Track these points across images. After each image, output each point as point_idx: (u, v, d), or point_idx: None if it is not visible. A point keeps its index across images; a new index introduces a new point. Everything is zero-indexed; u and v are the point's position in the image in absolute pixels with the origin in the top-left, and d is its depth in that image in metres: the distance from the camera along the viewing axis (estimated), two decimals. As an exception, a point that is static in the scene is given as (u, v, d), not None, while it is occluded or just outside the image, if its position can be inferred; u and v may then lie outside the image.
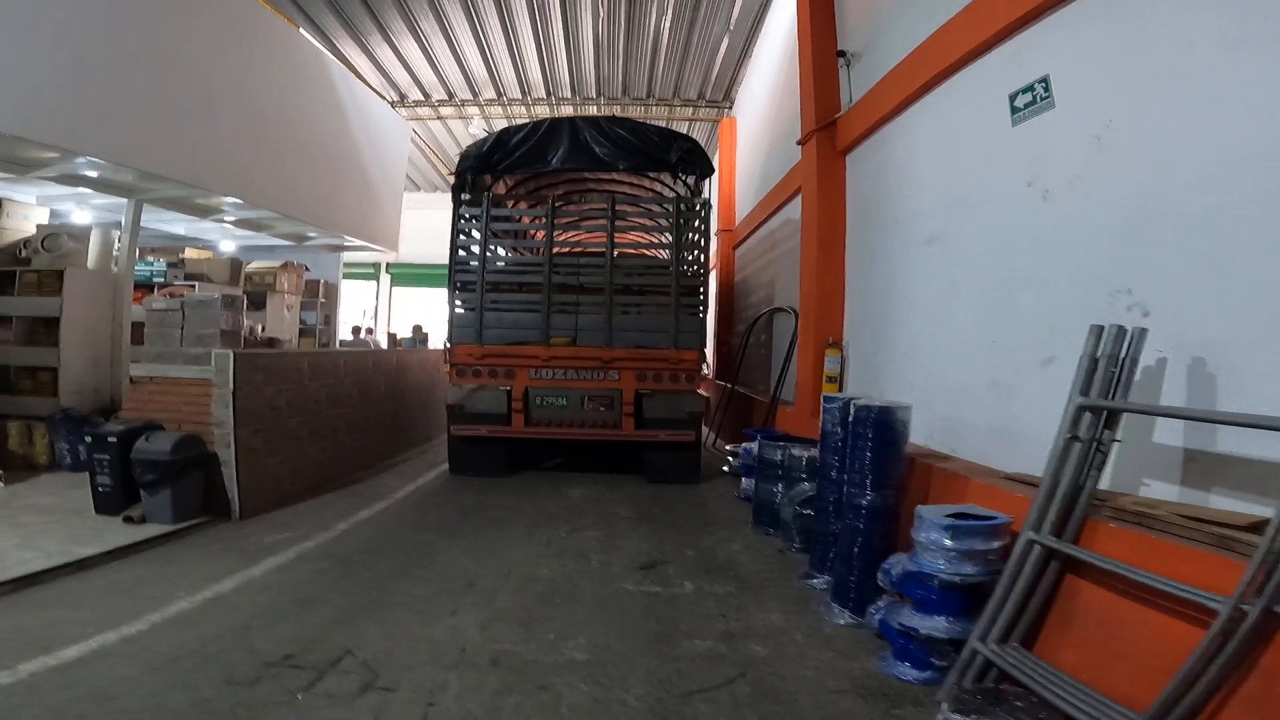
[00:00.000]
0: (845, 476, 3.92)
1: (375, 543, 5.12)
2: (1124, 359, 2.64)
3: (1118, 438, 2.65)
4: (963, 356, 4.33)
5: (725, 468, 8.15)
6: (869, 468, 3.73)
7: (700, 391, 7.51)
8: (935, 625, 3.06)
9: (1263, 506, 2.33)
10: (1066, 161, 3.47)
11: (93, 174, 7.33)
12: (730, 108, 13.84)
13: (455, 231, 7.57)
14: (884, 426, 3.73)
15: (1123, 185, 3.10)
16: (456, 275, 7.51)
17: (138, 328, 7.76)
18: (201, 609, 3.77)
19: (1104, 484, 2.95)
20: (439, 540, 5.19)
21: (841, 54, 6.62)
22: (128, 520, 4.98)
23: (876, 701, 2.95)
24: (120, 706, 2.72)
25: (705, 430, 10.80)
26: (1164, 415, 2.64)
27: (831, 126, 6.65)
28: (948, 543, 2.94)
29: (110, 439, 5.04)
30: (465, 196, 7.71)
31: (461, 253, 7.63)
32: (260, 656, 3.21)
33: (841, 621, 3.79)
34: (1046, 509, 2.68)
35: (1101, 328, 2.69)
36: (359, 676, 3.07)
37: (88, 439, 5.18)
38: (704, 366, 7.55)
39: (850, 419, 3.87)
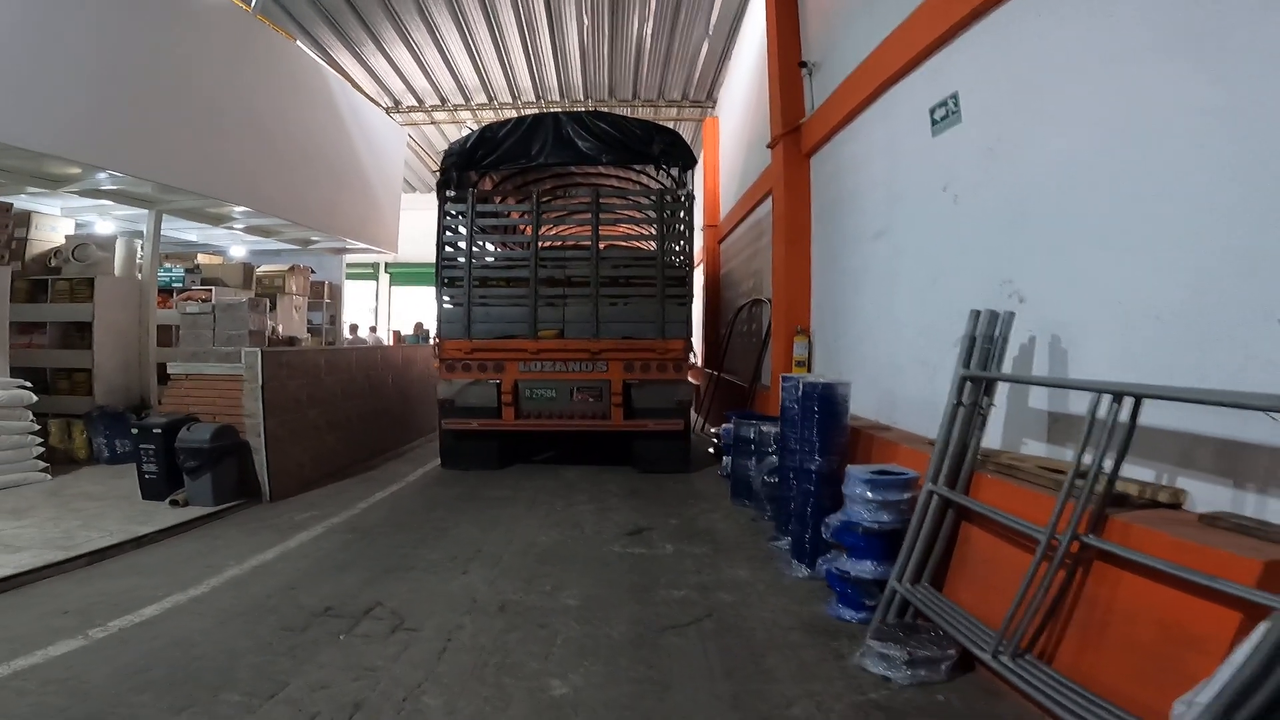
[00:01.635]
0: (798, 446, 4.54)
1: (393, 519, 5.76)
2: (997, 337, 3.25)
3: (994, 403, 3.27)
4: (901, 339, 4.93)
5: (710, 449, 8.72)
6: (816, 436, 4.36)
7: (689, 380, 7.76)
8: (863, 568, 3.65)
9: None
10: (970, 170, 4.06)
11: (113, 187, 7.86)
12: (713, 107, 14.36)
13: (441, 228, 7.69)
14: (828, 400, 4.36)
15: (1007, 192, 3.70)
16: (444, 271, 7.63)
17: (162, 330, 8.39)
18: (251, 574, 4.41)
19: (995, 444, 3.59)
20: (449, 516, 5.83)
21: (803, 64, 7.17)
22: (173, 503, 5.61)
23: (818, 636, 3.53)
24: (200, 651, 3.31)
25: (696, 417, 11.41)
26: (1014, 381, 3.25)
27: (796, 131, 7.21)
28: (869, 495, 3.56)
29: (156, 430, 5.67)
30: (450, 193, 7.80)
31: (449, 249, 7.75)
32: (307, 609, 3.83)
33: (799, 575, 4.37)
34: (940, 464, 3.31)
35: (979, 312, 3.31)
36: (389, 622, 3.68)
37: (134, 430, 5.81)
38: (691, 355, 7.80)
39: (800, 395, 4.49)
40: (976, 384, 3.24)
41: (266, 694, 2.91)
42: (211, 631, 3.54)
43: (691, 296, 7.85)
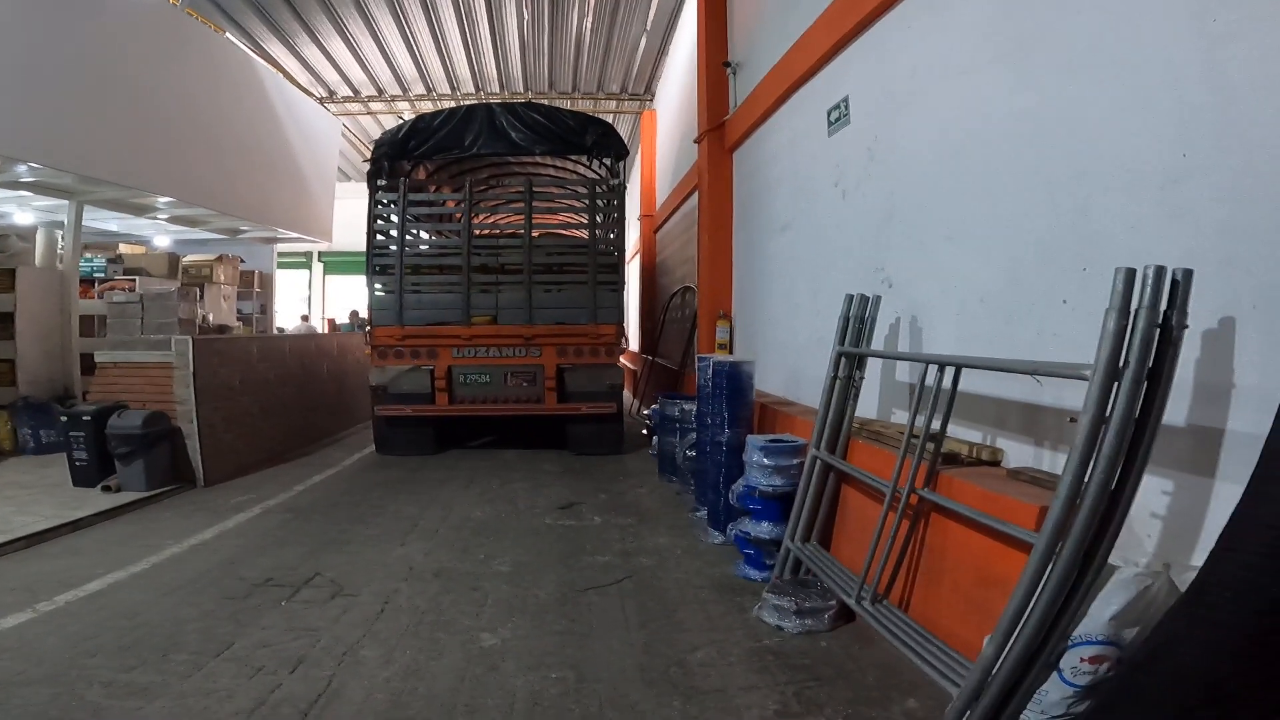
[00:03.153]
0: (711, 421, 4.97)
1: (330, 499, 5.97)
2: (867, 318, 3.72)
3: (864, 376, 3.75)
4: (802, 322, 5.39)
5: (644, 430, 9.10)
6: (725, 410, 4.79)
7: (623, 362, 8.14)
8: (762, 529, 4.06)
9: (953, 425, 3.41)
10: (855, 168, 4.52)
11: (33, 179, 7.71)
12: (651, 101, 14.68)
13: (372, 217, 7.75)
14: (734, 378, 4.80)
15: (881, 189, 4.17)
16: (375, 259, 7.70)
17: (84, 320, 8.29)
18: (190, 551, 4.59)
19: (873, 413, 4.08)
20: (387, 494, 6.08)
21: (728, 64, 7.57)
22: (106, 489, 5.68)
23: (725, 593, 3.92)
24: (144, 620, 3.52)
25: (633, 400, 11.81)
26: (873, 355, 3.71)
27: (721, 128, 7.60)
28: (765, 461, 4.01)
29: (85, 418, 5.72)
30: (382, 183, 7.86)
31: (380, 237, 7.81)
32: (248, 581, 4.05)
33: (714, 541, 4.76)
34: (822, 431, 3.77)
35: (852, 296, 3.76)
36: (329, 589, 3.95)
37: (63, 419, 5.83)
38: (623, 340, 8.10)
39: (712, 374, 4.92)
40: (850, 359, 3.71)
41: (213, 653, 3.16)
42: (155, 603, 3.74)
43: (623, 283, 8.12)
